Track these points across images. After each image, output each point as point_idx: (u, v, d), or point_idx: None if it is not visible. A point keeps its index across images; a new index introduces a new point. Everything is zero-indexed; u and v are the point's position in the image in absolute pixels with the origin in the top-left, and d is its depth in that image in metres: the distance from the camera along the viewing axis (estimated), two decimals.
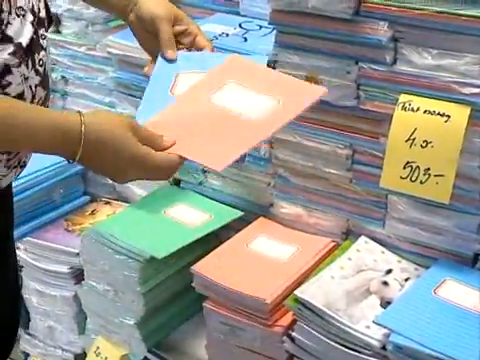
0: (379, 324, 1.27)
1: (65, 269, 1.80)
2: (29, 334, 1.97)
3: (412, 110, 1.30)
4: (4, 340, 1.35)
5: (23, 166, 1.19)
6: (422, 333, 1.22)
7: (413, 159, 1.31)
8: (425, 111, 1.29)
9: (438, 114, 1.28)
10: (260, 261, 1.52)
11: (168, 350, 1.65)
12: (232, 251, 1.56)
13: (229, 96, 1.20)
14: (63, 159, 1.07)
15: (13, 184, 1.27)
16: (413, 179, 1.31)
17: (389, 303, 1.34)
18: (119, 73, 1.85)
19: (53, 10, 1.92)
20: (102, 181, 1.97)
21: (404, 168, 1.32)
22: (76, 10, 1.92)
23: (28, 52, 1.09)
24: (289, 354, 1.41)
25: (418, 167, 1.30)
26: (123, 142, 1.05)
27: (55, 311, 1.87)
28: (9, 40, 1.05)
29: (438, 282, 1.35)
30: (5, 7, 1.05)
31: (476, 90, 1.26)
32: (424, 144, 1.29)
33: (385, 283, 1.39)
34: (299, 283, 1.41)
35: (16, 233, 1.60)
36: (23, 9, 1.09)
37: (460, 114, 1.27)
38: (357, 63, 1.38)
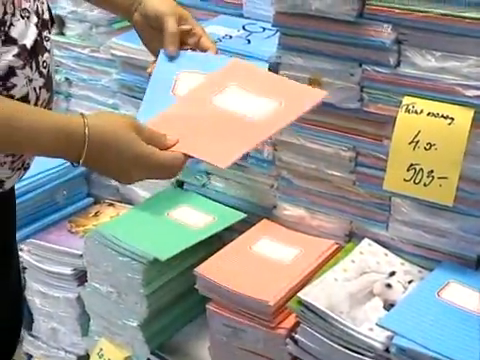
0: (382, 326, 1.27)
1: (68, 271, 1.80)
2: (32, 336, 1.98)
3: (416, 112, 1.30)
4: (7, 341, 1.35)
5: (27, 168, 1.19)
6: (425, 335, 1.22)
7: (417, 161, 1.31)
8: (429, 113, 1.29)
9: (442, 116, 1.28)
10: (263, 263, 1.52)
11: (171, 352, 1.65)
12: (235, 253, 1.56)
13: (231, 98, 1.20)
14: (66, 161, 1.08)
15: (17, 186, 1.27)
16: (417, 181, 1.31)
17: (392, 305, 1.34)
18: (123, 75, 1.85)
19: (57, 12, 1.93)
20: (105, 183, 1.97)
21: (408, 170, 1.31)
22: (80, 12, 1.92)
23: (32, 54, 1.09)
24: (292, 356, 1.40)
25: (422, 169, 1.30)
26: (127, 143, 1.05)
27: (58, 313, 1.87)
28: (13, 42, 1.05)
29: (441, 284, 1.35)
30: (9, 9, 1.05)
31: None
32: (428, 146, 1.29)
33: (388, 285, 1.39)
34: (302, 285, 1.41)
35: (19, 235, 1.61)
36: (28, 11, 1.09)
37: (464, 116, 1.27)
38: (361, 65, 1.37)
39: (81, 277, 1.78)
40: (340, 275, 1.40)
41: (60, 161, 1.76)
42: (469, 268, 1.39)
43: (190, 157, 1.11)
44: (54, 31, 1.90)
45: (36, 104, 1.11)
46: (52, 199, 1.92)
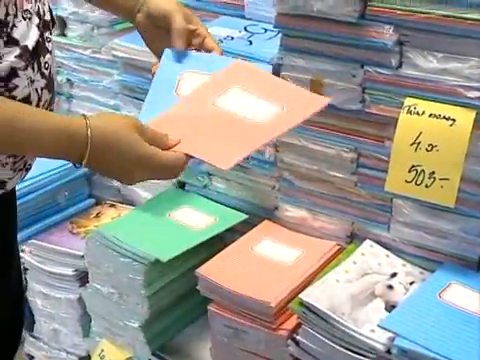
0: (384, 328, 1.26)
1: (70, 272, 1.80)
2: (34, 336, 1.98)
3: (417, 114, 1.30)
4: (8, 342, 1.36)
5: (28, 169, 1.19)
6: (427, 337, 1.22)
7: (418, 163, 1.30)
8: (430, 115, 1.29)
9: (443, 118, 1.28)
10: (265, 264, 1.52)
11: (172, 353, 1.65)
12: (237, 254, 1.56)
13: (233, 100, 1.20)
14: (68, 162, 1.07)
15: (18, 187, 1.27)
16: (418, 183, 1.31)
17: (394, 307, 1.34)
18: (124, 76, 1.85)
19: (58, 13, 1.94)
20: (107, 184, 1.97)
21: (409, 172, 1.31)
22: (81, 13, 1.92)
23: (34, 55, 1.09)
24: (293, 358, 1.40)
25: (423, 171, 1.30)
26: (129, 143, 1.05)
27: (60, 314, 1.87)
28: (15, 43, 1.05)
29: (443, 286, 1.35)
30: (11, 10, 1.05)
31: None
32: (429, 148, 1.29)
33: (390, 287, 1.39)
34: (304, 286, 1.41)
35: (21, 236, 1.61)
36: (29, 12, 1.09)
37: (465, 118, 1.27)
38: (362, 66, 1.37)
39: (82, 278, 1.78)
40: (342, 276, 1.40)
41: (62, 162, 1.76)
42: (471, 269, 1.39)
43: (192, 157, 1.11)
44: (56, 32, 1.91)
45: (38, 105, 1.11)
46: (53, 200, 1.92)
